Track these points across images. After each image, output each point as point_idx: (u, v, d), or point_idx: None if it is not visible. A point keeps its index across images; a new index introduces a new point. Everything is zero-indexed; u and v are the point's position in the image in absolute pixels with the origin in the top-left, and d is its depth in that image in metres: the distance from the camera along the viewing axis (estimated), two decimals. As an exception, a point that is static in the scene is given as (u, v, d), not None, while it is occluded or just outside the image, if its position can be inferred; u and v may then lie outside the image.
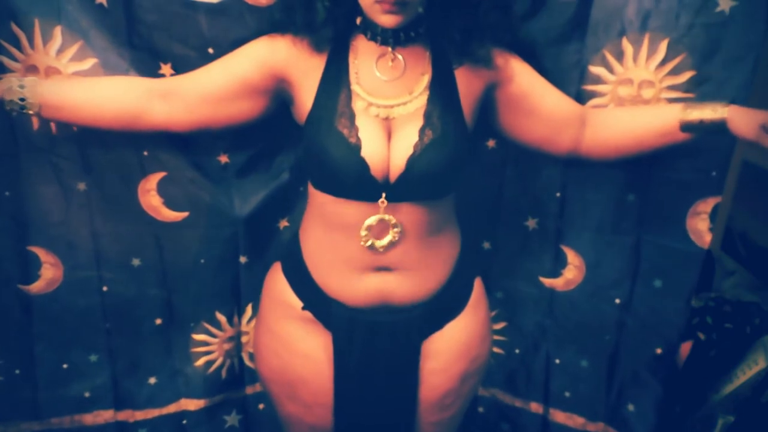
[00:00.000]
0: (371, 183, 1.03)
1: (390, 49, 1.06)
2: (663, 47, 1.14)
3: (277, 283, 1.20)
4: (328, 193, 1.07)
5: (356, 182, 1.03)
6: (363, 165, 1.02)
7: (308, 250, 1.16)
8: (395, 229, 1.06)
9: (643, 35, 1.15)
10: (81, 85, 1.12)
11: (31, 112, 1.06)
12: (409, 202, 1.06)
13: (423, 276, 1.12)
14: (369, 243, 1.06)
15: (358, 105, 1.05)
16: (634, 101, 1.18)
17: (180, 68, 1.16)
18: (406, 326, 1.14)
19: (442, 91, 1.07)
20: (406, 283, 1.11)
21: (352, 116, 1.04)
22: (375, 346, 1.14)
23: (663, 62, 1.15)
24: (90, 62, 1.14)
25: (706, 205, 1.21)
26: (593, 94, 1.21)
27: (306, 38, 1.06)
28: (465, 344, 1.19)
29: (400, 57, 1.06)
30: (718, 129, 1.05)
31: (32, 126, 1.16)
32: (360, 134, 1.02)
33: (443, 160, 1.04)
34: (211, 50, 1.15)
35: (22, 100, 1.04)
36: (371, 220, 1.05)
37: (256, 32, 1.14)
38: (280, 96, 1.13)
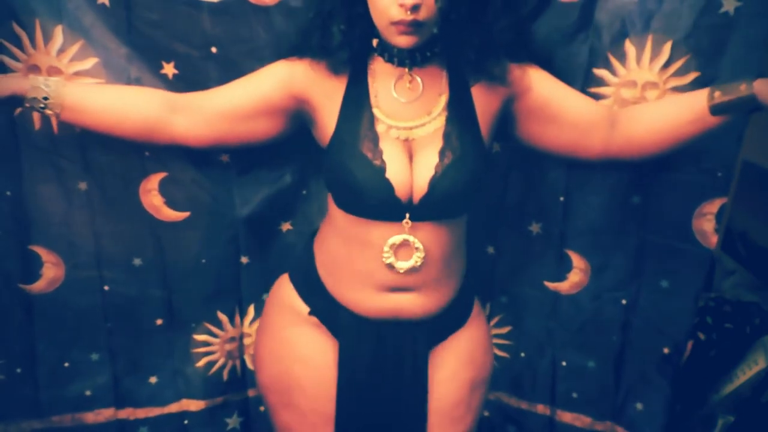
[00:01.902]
0: (396, 204, 1.04)
1: (407, 70, 1.06)
2: (667, 49, 1.13)
3: (284, 290, 1.21)
4: (351, 214, 1.08)
5: (381, 204, 1.03)
6: (388, 187, 1.02)
7: (322, 259, 1.17)
8: (418, 254, 1.06)
9: (647, 37, 1.14)
10: (105, 91, 1.11)
11: (51, 112, 1.05)
12: (430, 222, 1.07)
13: (437, 293, 1.13)
14: (390, 261, 1.07)
15: (379, 127, 1.05)
16: (637, 103, 1.17)
17: (182, 67, 1.16)
18: (414, 335, 1.14)
19: (460, 110, 1.07)
20: (419, 300, 1.12)
21: (375, 139, 1.04)
22: (382, 353, 1.14)
23: (667, 64, 1.14)
24: (91, 62, 1.13)
25: (712, 206, 1.20)
26: (597, 97, 1.20)
27: (323, 61, 1.07)
28: (470, 352, 1.20)
29: (418, 78, 1.07)
30: (748, 105, 1.00)
31: (33, 126, 1.16)
32: (384, 156, 1.03)
33: (464, 179, 1.04)
34: (214, 49, 1.15)
35: (46, 99, 1.03)
36: (396, 239, 1.06)
37: (258, 32, 1.14)
38: (298, 118, 1.14)
